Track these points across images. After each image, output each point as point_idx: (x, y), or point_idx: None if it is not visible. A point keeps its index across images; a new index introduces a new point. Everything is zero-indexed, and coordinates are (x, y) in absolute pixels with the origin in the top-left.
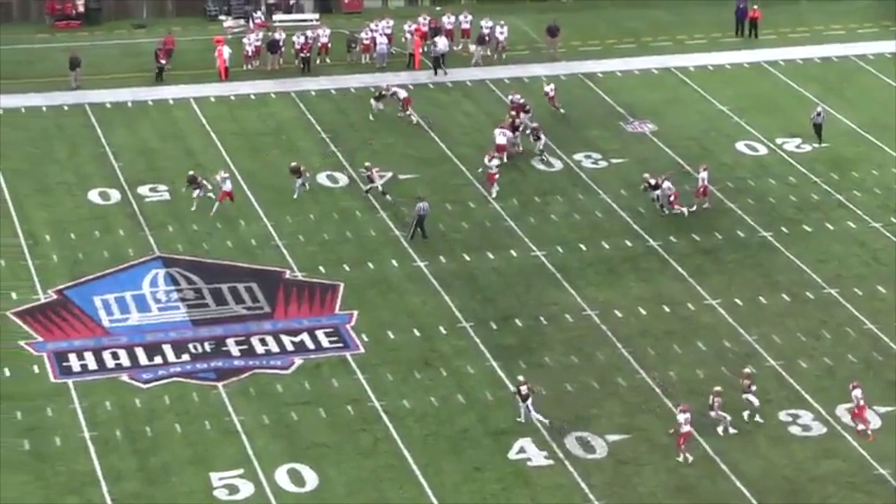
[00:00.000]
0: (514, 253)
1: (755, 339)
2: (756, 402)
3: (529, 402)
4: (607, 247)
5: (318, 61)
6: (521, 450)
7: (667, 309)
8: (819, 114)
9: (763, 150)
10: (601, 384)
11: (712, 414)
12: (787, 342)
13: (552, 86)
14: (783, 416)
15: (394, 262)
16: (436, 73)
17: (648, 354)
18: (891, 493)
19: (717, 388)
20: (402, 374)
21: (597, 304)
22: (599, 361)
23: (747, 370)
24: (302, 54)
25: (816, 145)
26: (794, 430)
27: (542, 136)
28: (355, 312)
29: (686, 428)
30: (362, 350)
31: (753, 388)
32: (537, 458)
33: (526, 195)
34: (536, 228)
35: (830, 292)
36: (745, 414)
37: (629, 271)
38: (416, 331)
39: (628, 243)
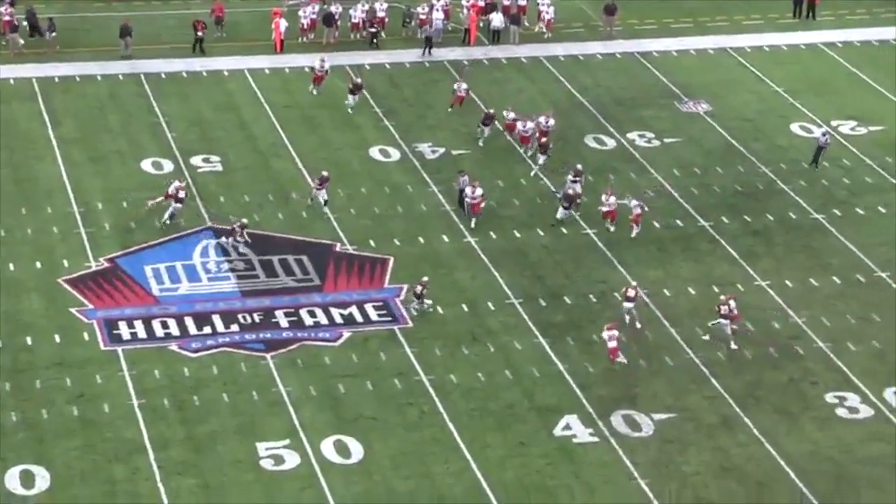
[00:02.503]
0: (564, 230)
1: (804, 321)
2: (728, 328)
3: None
4: (658, 226)
5: (360, 36)
6: (567, 426)
7: (716, 289)
8: (825, 134)
9: (817, 133)
10: (648, 363)
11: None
12: (837, 325)
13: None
14: (830, 398)
15: (444, 237)
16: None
17: (696, 335)
18: None
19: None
20: (449, 349)
21: (646, 283)
22: (647, 340)
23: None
24: (371, 29)
25: (813, 166)
26: (842, 412)
27: (547, 154)
28: (405, 286)
29: (612, 343)
30: (410, 324)
31: (729, 308)
32: (583, 435)
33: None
34: (588, 206)
35: (881, 276)
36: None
37: (679, 251)
38: (464, 306)
39: (679, 223)
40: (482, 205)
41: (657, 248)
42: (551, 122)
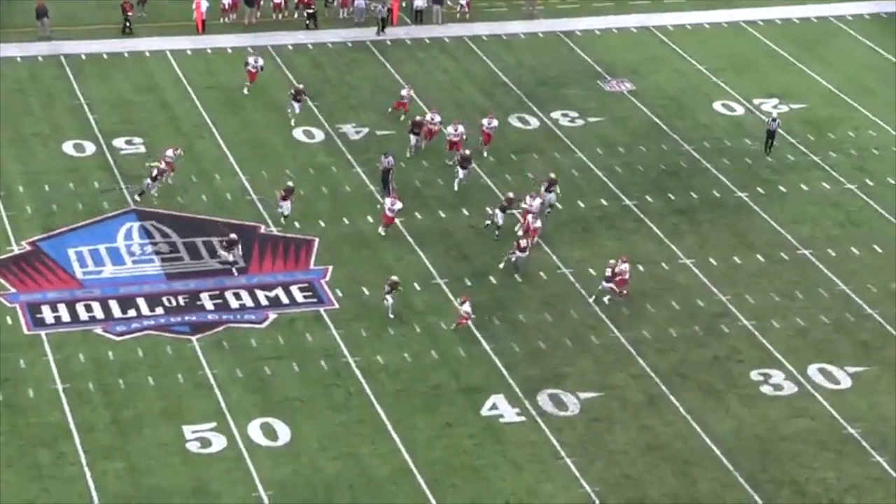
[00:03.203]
0: (489, 210)
1: (728, 299)
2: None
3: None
4: (583, 206)
5: (281, 16)
6: (494, 406)
7: (641, 268)
8: (775, 120)
9: (740, 111)
10: (574, 342)
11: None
12: (761, 302)
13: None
14: (755, 375)
15: (369, 218)
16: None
17: (622, 313)
18: (860, 452)
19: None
20: (375, 330)
21: (571, 262)
22: (573, 319)
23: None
24: (308, 10)
25: (766, 151)
26: (766, 389)
27: (468, 167)
28: (330, 268)
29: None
30: (336, 305)
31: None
32: (509, 414)
33: (502, 153)
34: (513, 186)
35: (804, 253)
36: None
37: (604, 230)
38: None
39: (604, 202)
40: (395, 220)
41: (582, 227)
42: (493, 122)
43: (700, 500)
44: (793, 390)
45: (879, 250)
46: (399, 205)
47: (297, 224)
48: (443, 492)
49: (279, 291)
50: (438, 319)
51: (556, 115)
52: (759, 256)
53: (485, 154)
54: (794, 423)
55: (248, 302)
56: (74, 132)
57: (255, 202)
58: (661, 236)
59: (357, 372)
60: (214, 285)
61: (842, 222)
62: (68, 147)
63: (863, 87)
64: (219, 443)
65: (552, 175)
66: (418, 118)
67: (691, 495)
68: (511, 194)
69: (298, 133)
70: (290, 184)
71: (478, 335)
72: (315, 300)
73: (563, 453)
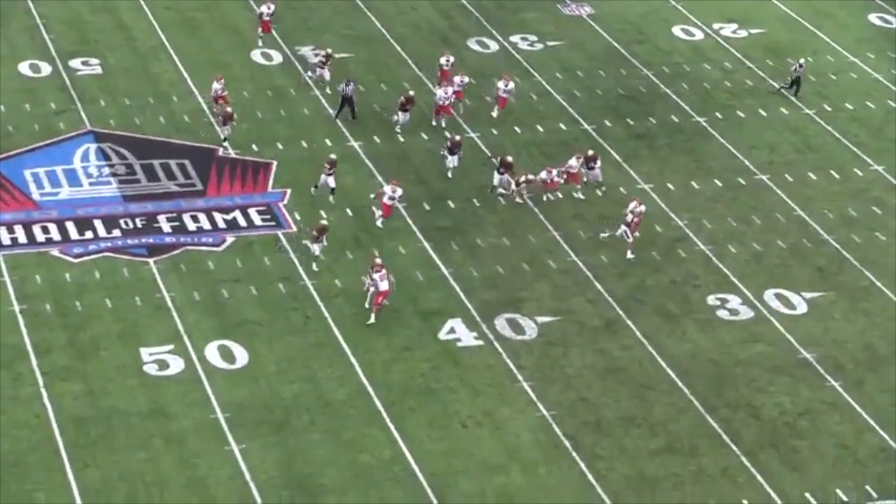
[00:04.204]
0: (448, 135)
1: (686, 224)
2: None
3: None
4: (542, 130)
5: None
6: (451, 330)
7: (599, 193)
8: (801, 65)
9: (699, 35)
10: (532, 266)
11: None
12: (718, 227)
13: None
14: (711, 300)
15: (327, 141)
16: None
17: (579, 238)
18: (814, 376)
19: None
20: (333, 254)
21: (530, 186)
22: (531, 244)
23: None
24: None
25: (792, 97)
26: (722, 314)
27: (458, 153)
28: (288, 191)
29: (383, 287)
30: (295, 229)
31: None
32: (467, 338)
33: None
34: (472, 110)
35: (762, 178)
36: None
37: (563, 154)
38: (348, 210)
39: (563, 127)
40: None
41: (541, 151)
42: (510, 85)
43: (656, 424)
44: (749, 315)
45: (836, 176)
46: (400, 191)
47: (254, 147)
48: (400, 415)
49: (237, 214)
50: (396, 244)
51: (515, 38)
52: (716, 181)
53: (494, 115)
54: (749, 347)
55: (206, 225)
56: (30, 52)
57: (214, 124)
58: (620, 161)
59: (315, 295)
60: (172, 208)
61: (799, 147)
62: (24, 68)
63: (821, 12)
64: (176, 365)
65: (590, 152)
66: (411, 93)
67: (647, 419)
68: (458, 137)
69: (257, 55)
70: (333, 156)
71: (436, 259)
72: (273, 223)
73: (519, 377)
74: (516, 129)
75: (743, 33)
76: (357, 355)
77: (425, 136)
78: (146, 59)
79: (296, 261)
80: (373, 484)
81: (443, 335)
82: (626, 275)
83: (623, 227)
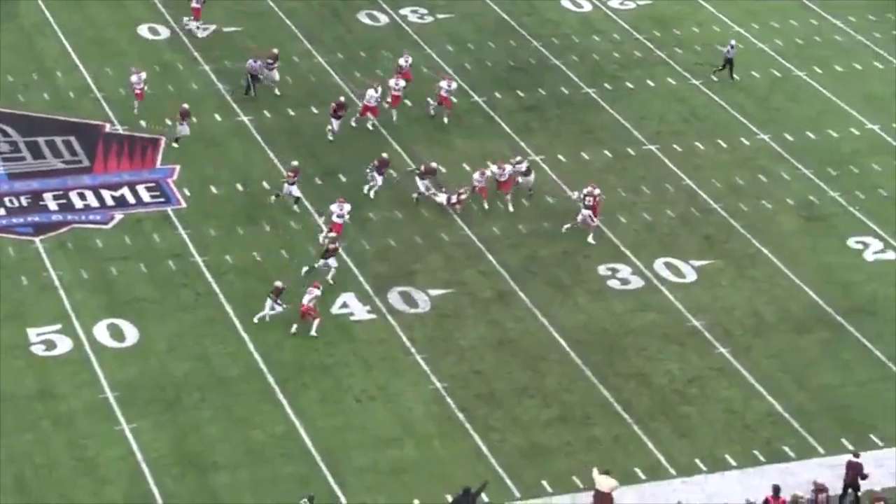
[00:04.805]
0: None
1: (577, 195)
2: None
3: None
4: (432, 102)
5: None
6: (344, 304)
7: (490, 164)
8: (733, 47)
9: (588, 7)
10: (424, 239)
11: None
12: (608, 197)
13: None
14: (602, 270)
15: (216, 116)
16: None
17: (472, 210)
18: (703, 344)
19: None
20: (224, 230)
21: (421, 159)
22: (423, 217)
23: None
24: None
25: (731, 78)
26: (613, 284)
27: (384, 173)
28: (177, 167)
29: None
30: (184, 205)
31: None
32: (360, 312)
33: (352, 50)
34: (362, 83)
35: (650, 148)
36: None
37: (454, 127)
38: (239, 186)
39: (453, 99)
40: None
41: (432, 125)
42: (453, 85)
43: (548, 394)
44: (639, 284)
45: (724, 145)
46: (347, 206)
47: (142, 123)
48: (293, 391)
49: (125, 191)
50: (288, 218)
51: (405, 11)
52: (606, 152)
53: (445, 120)
54: (640, 316)
55: (94, 202)
56: None
57: (100, 100)
58: (511, 133)
59: (206, 271)
60: (58, 185)
61: (687, 117)
62: None
63: None
64: (64, 345)
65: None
66: (342, 99)
67: (540, 389)
68: (385, 155)
69: (143, 30)
70: (295, 163)
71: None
72: (162, 200)
73: (413, 350)
74: (407, 101)
75: (630, 4)
76: (249, 332)
77: (315, 111)
78: (29, 35)
79: (186, 237)
80: (266, 460)
81: (335, 310)
82: (518, 246)
83: (585, 213)
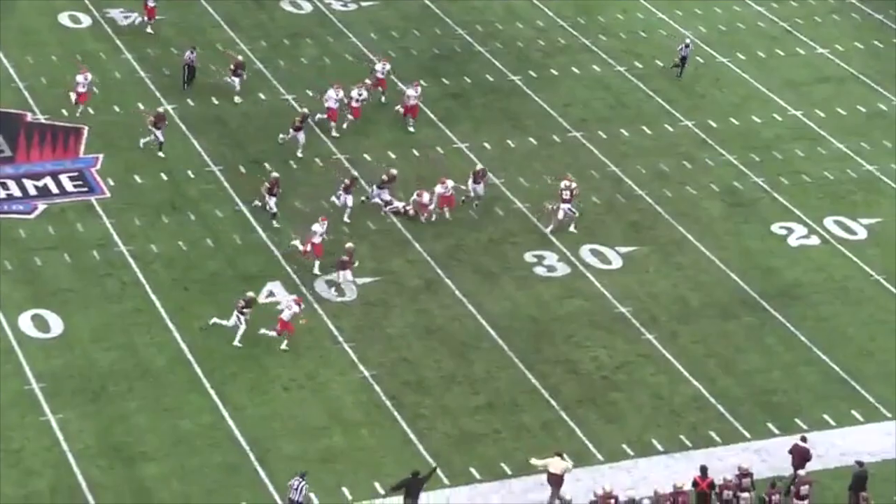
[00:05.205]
0: (262, 96)
1: (502, 182)
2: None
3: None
4: (368, 84)
5: None
6: (271, 293)
7: (416, 153)
8: (688, 46)
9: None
10: (351, 228)
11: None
12: (534, 185)
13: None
14: (529, 257)
15: (140, 104)
16: None
17: (398, 198)
18: (630, 330)
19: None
20: (149, 219)
21: (346, 147)
22: (348, 207)
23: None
24: None
25: (678, 77)
26: (540, 271)
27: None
28: (101, 156)
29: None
30: (108, 194)
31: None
32: (287, 301)
33: (275, 38)
34: (286, 72)
35: (576, 135)
36: None
37: (379, 115)
38: (163, 175)
39: (378, 87)
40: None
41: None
42: (387, 67)
43: (476, 381)
44: (566, 271)
45: (648, 132)
46: (320, 228)
47: (64, 112)
48: (220, 380)
49: (48, 181)
50: (213, 207)
51: None
52: (531, 139)
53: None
54: (567, 303)
55: (16, 192)
56: None
57: (22, 89)
58: (436, 120)
59: (131, 261)
60: None
61: (612, 104)
62: None
63: None
64: None
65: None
66: (306, 110)
67: (468, 376)
68: (355, 173)
69: (64, 18)
70: (276, 174)
71: (253, 222)
72: (86, 189)
73: (340, 339)
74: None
75: None
76: (176, 321)
77: (238, 100)
78: None
79: (110, 226)
80: (194, 450)
81: (262, 298)
82: (444, 234)
83: (564, 207)
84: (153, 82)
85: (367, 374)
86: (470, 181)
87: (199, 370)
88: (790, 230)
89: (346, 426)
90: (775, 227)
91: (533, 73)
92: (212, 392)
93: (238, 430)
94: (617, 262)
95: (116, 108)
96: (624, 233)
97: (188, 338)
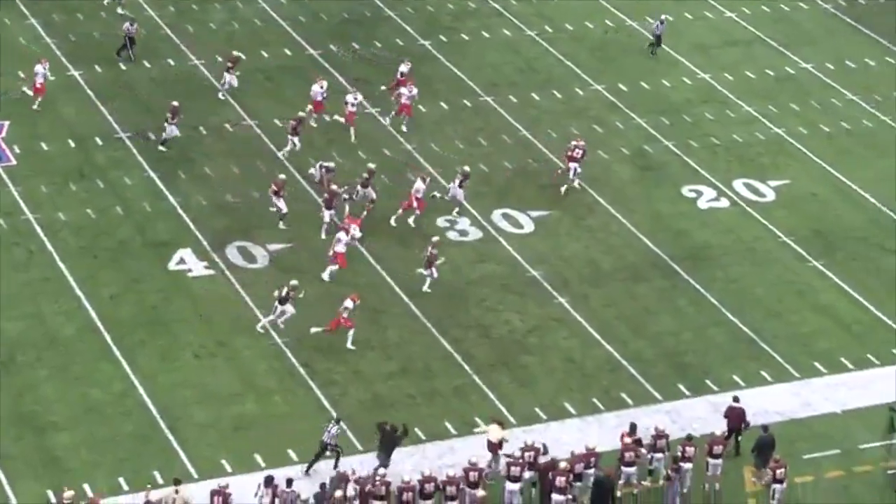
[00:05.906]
0: (171, 62)
1: (414, 148)
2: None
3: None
4: (266, 56)
5: None
6: (182, 261)
7: (326, 118)
8: (662, 22)
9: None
10: (263, 195)
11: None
12: (446, 150)
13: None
14: (441, 222)
15: (20, 73)
16: None
17: (308, 164)
18: (542, 294)
19: None
20: (57, 186)
21: (256, 113)
22: (261, 171)
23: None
24: None
25: (652, 55)
26: (452, 235)
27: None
28: (6, 123)
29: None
30: (14, 162)
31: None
32: (197, 268)
33: (184, 2)
34: (195, 37)
35: (487, 100)
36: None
37: (289, 80)
38: (70, 142)
39: (287, 52)
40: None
41: (265, 77)
42: (414, 91)
43: (389, 347)
44: (478, 235)
45: (559, 95)
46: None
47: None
48: (131, 348)
49: None
50: (122, 174)
51: None
52: (442, 104)
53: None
54: (479, 267)
55: None
56: None
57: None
58: (346, 86)
59: (38, 229)
60: None
61: (522, 69)
62: None
63: None
64: None
65: (466, 168)
66: (301, 114)
67: (381, 342)
68: (335, 187)
69: None
70: (283, 176)
71: (163, 189)
72: None
73: (252, 306)
74: (241, 55)
75: None
76: (85, 289)
77: (148, 65)
78: None
79: (16, 194)
80: (104, 419)
81: (172, 266)
82: (356, 201)
83: (573, 166)
84: (58, 48)
85: (279, 341)
86: (455, 182)
87: (108, 338)
88: (699, 193)
89: (259, 393)
90: (685, 190)
91: (443, 38)
92: (122, 360)
93: (149, 398)
94: (529, 227)
95: (21, 74)
96: (535, 197)
97: (97, 306)
